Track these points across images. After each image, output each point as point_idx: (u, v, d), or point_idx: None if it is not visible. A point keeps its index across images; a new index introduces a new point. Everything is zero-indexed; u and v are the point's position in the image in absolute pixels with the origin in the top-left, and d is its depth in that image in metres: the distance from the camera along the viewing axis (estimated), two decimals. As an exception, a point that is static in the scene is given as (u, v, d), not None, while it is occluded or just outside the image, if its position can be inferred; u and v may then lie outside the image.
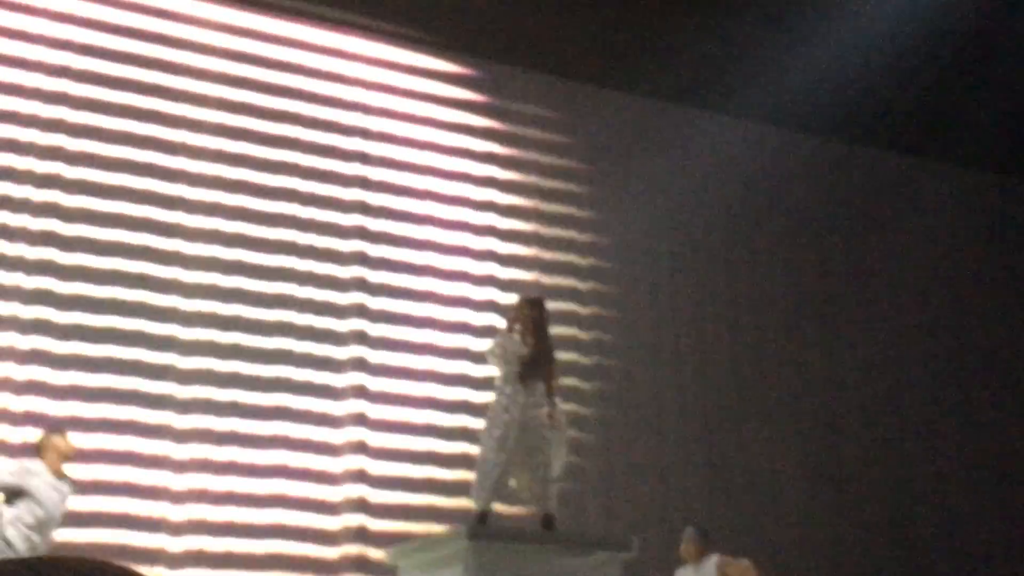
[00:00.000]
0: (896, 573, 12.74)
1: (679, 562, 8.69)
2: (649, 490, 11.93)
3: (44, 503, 7.68)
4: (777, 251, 13.45)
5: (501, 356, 7.87)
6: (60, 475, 7.76)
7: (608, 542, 8.19)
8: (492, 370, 8.52)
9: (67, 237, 9.98)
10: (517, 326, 8.01)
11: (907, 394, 13.71)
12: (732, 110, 13.11)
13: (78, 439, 8.47)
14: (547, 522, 7.91)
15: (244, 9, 11.11)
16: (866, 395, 13.42)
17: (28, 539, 7.60)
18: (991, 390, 14.07)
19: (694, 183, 13.03)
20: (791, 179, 13.56)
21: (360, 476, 10.48)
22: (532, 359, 7.90)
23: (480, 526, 7.63)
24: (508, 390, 7.83)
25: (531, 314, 8.16)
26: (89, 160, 10.16)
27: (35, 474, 7.70)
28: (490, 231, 11.74)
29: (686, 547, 8.67)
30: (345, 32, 11.52)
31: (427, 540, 7.92)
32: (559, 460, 7.97)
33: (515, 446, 7.72)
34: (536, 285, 11.51)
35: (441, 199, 11.56)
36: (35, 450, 8.03)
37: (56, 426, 8.45)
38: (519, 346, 7.89)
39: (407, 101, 11.67)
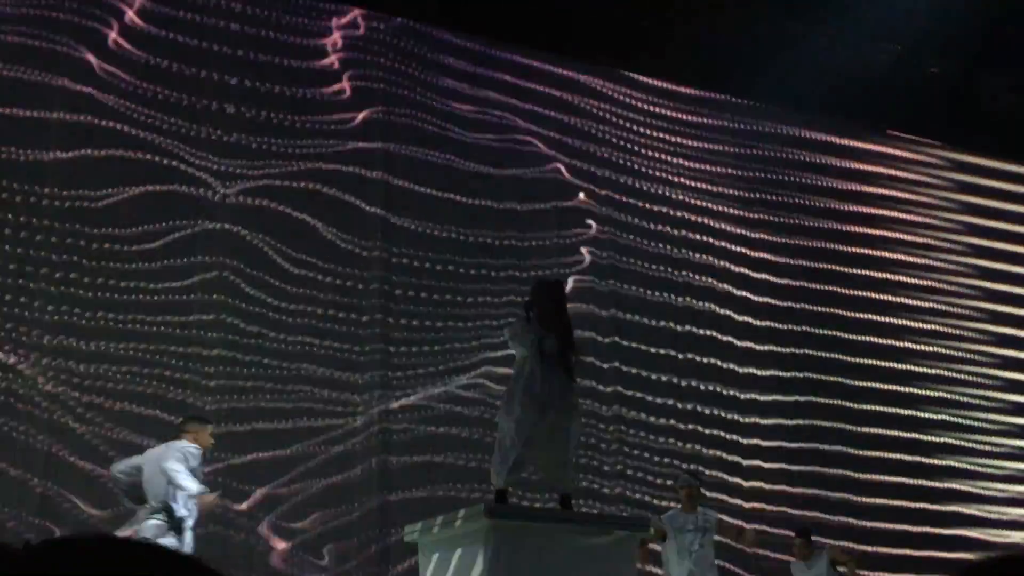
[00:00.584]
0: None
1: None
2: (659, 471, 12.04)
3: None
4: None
5: (520, 337, 7.90)
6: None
7: (625, 520, 8.23)
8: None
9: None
10: (535, 308, 8.03)
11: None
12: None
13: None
14: (565, 501, 7.96)
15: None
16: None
17: None
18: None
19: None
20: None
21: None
22: (552, 340, 7.94)
23: (499, 505, 7.68)
24: (527, 370, 7.87)
25: (550, 295, 8.19)
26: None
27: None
28: None
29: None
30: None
31: (446, 518, 7.96)
32: (575, 440, 8.03)
33: (535, 426, 7.77)
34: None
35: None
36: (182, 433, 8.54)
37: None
38: (537, 327, 7.92)
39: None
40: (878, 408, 13.56)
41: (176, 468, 8.16)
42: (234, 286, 10.87)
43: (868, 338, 13.81)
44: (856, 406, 13.43)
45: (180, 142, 11.03)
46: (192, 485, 8.20)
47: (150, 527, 8.16)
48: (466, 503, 8.36)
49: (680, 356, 12.76)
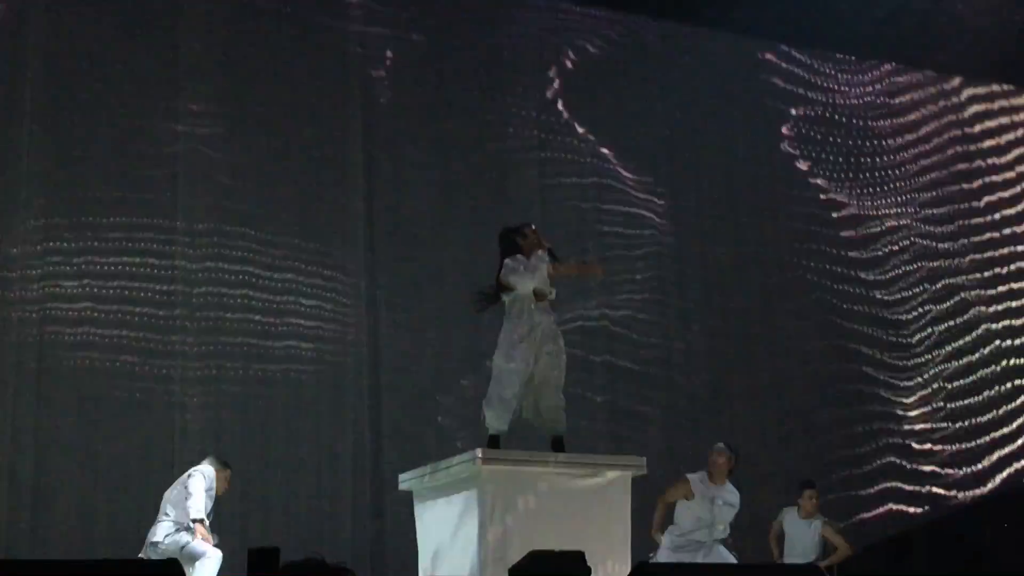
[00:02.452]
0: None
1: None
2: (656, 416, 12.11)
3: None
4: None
5: (530, 273, 7.83)
6: None
7: (618, 462, 8.27)
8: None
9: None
10: (540, 249, 7.98)
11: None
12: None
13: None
14: (557, 444, 7.99)
15: None
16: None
17: None
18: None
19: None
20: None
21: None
22: (548, 281, 7.94)
23: (493, 450, 7.71)
24: (524, 312, 7.85)
25: (532, 238, 8.13)
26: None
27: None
28: None
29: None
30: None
31: (440, 464, 7.99)
32: (562, 381, 8.04)
33: (530, 368, 7.78)
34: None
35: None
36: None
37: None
38: (546, 265, 7.89)
39: None
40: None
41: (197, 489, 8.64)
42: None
43: None
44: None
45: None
46: (199, 511, 8.58)
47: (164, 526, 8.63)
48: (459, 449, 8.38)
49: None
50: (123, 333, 10.35)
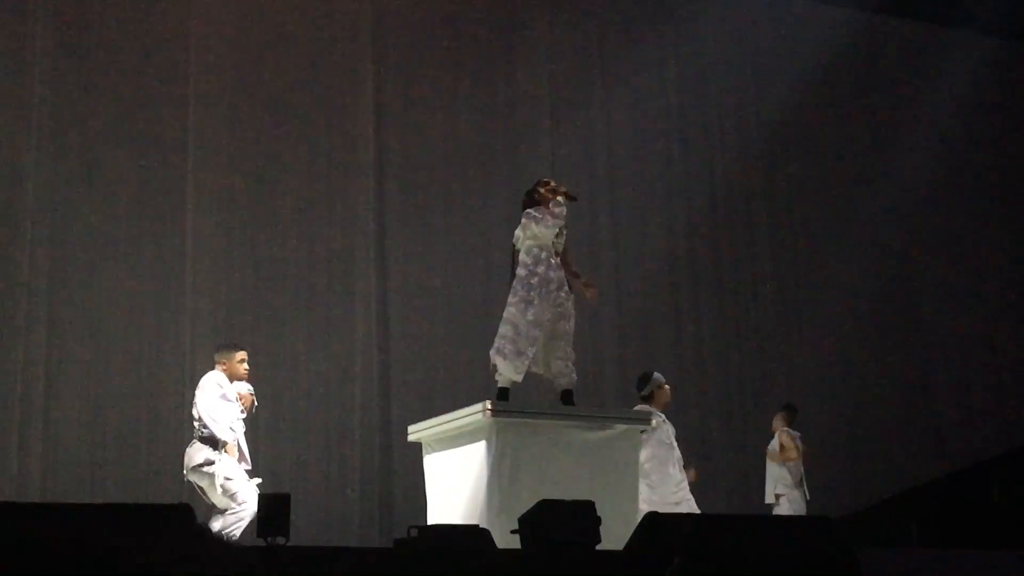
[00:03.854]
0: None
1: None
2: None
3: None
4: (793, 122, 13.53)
5: (552, 224, 7.82)
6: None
7: (627, 416, 8.27)
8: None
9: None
10: (558, 198, 7.97)
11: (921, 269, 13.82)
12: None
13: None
14: (567, 397, 7.98)
15: None
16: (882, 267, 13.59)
17: None
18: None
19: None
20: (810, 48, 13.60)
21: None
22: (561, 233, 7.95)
23: (502, 402, 7.70)
24: (541, 264, 7.84)
25: (551, 191, 8.12)
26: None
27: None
28: None
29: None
30: None
31: (449, 416, 7.98)
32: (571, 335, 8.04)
33: (547, 321, 7.76)
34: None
35: None
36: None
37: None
38: (564, 216, 7.89)
39: None
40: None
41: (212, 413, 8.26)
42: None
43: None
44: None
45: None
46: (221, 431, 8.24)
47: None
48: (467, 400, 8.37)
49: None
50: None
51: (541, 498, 5.74)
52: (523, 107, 12.25)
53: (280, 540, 5.12)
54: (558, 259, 7.95)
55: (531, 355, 7.77)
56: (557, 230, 7.90)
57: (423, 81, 11.74)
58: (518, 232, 8.01)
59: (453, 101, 11.89)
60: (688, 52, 13.17)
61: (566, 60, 12.55)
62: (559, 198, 7.97)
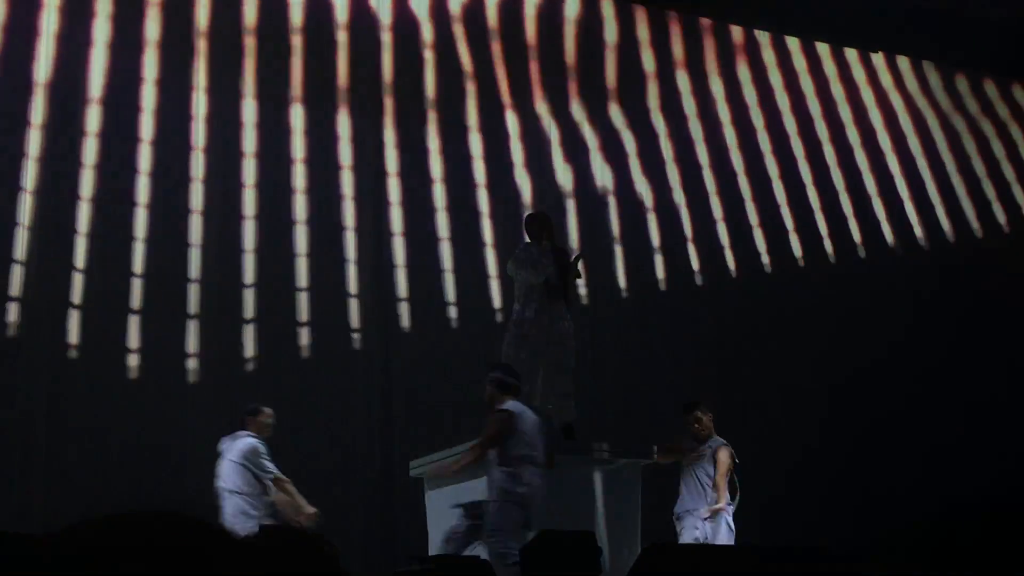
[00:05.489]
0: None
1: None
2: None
3: None
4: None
5: (538, 265, 7.87)
6: None
7: (629, 449, 8.29)
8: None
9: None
10: (545, 239, 8.02)
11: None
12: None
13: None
14: (568, 431, 8.00)
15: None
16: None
17: None
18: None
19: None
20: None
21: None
22: (554, 270, 7.98)
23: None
24: (535, 301, 7.88)
25: (547, 227, 8.18)
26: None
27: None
28: None
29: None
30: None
31: (450, 452, 8.00)
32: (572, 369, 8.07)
33: (543, 357, 7.80)
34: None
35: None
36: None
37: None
38: (550, 257, 7.93)
39: None
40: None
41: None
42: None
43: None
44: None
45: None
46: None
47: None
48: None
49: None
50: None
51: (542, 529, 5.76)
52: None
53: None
54: (554, 289, 7.97)
55: (526, 391, 7.79)
56: (544, 277, 7.94)
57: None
58: (511, 267, 8.06)
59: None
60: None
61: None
62: (546, 243, 8.02)
